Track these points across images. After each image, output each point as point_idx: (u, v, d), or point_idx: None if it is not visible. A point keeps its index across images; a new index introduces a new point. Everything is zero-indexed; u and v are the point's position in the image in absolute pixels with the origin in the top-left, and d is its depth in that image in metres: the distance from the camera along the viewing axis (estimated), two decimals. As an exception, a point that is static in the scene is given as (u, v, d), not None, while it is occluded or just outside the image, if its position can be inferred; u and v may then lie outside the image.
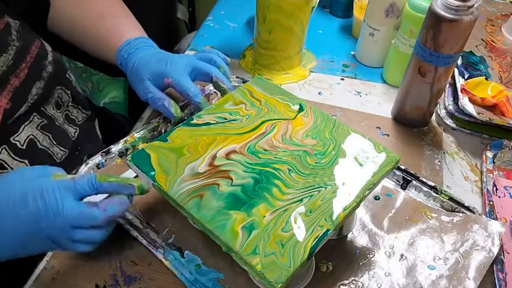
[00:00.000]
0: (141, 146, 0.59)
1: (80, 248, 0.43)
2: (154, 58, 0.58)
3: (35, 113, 0.56)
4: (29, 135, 0.55)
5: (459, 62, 0.73)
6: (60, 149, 0.59)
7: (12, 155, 0.52)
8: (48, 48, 0.59)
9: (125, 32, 0.63)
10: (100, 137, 0.70)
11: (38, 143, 0.56)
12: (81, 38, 0.66)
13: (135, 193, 0.44)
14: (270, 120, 0.51)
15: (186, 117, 0.62)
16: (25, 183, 0.41)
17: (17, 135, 0.53)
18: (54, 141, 0.58)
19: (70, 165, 0.56)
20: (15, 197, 0.40)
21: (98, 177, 0.42)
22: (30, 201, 0.40)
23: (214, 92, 0.66)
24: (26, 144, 0.54)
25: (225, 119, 0.51)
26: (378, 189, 0.56)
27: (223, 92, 0.58)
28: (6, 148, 0.52)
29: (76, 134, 0.63)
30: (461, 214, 0.53)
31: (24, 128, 0.54)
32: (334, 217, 0.41)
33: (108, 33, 0.63)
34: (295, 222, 0.41)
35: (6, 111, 0.51)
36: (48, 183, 0.41)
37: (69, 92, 0.62)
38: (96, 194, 0.43)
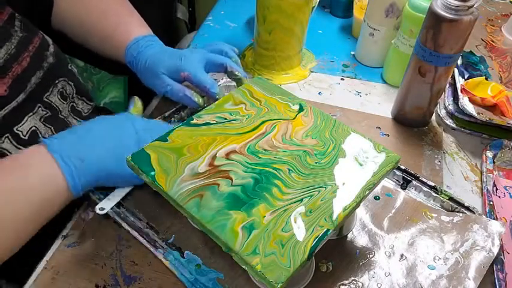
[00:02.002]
0: (141, 146, 0.59)
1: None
2: (166, 54, 0.60)
3: (39, 104, 0.56)
4: (32, 127, 0.55)
5: (459, 62, 0.73)
6: None
7: (16, 144, 0.53)
8: (50, 41, 0.59)
9: (132, 30, 0.63)
10: None
11: (40, 135, 0.56)
12: (86, 36, 0.66)
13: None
14: (270, 120, 0.51)
15: (186, 117, 0.63)
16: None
17: (20, 126, 0.54)
18: (55, 134, 0.58)
19: None
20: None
21: None
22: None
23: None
24: (28, 135, 0.54)
25: (225, 119, 0.51)
26: (378, 189, 0.56)
27: (238, 81, 0.60)
28: (9, 137, 0.53)
29: None
30: (461, 214, 0.53)
31: (27, 119, 0.55)
32: (334, 217, 0.41)
33: (114, 31, 0.63)
34: (295, 222, 0.41)
35: (2, 98, 0.51)
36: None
37: (72, 83, 0.63)
38: None
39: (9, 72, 0.52)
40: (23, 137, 0.54)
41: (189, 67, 0.58)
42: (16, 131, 0.53)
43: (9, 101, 0.52)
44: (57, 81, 0.60)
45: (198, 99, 0.58)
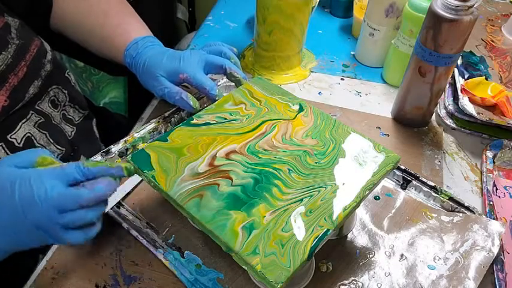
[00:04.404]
0: (141, 146, 0.59)
1: (72, 237, 0.40)
2: (165, 56, 0.59)
3: (32, 111, 0.56)
4: (26, 133, 0.55)
5: (459, 62, 0.73)
6: (57, 147, 0.59)
7: (9, 153, 0.53)
8: (48, 47, 0.59)
9: (132, 31, 0.63)
10: (98, 137, 0.70)
11: (35, 141, 0.56)
12: (85, 36, 0.66)
13: (124, 175, 0.43)
14: (270, 120, 0.51)
15: (186, 118, 0.63)
16: (12, 171, 0.40)
17: (14, 133, 0.53)
18: (50, 139, 0.58)
19: None
20: (1, 186, 0.39)
21: (86, 163, 0.41)
22: (16, 189, 0.39)
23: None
24: (22, 142, 0.54)
25: (225, 119, 0.51)
26: (378, 189, 0.56)
27: (237, 83, 0.59)
28: (3, 146, 0.52)
29: (73, 133, 0.63)
30: (461, 214, 0.53)
31: (21, 126, 0.54)
32: (334, 217, 0.41)
33: (114, 32, 0.63)
34: (295, 222, 0.41)
35: (4, 108, 0.51)
36: (35, 171, 0.40)
37: (66, 91, 0.62)
38: (85, 180, 0.41)
39: (5, 83, 0.52)
40: (18, 145, 0.54)
41: (187, 69, 0.58)
42: (10, 139, 0.53)
43: (10, 110, 0.52)
44: (49, 88, 0.60)
45: (194, 102, 0.58)
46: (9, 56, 0.52)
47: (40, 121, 0.57)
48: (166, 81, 0.59)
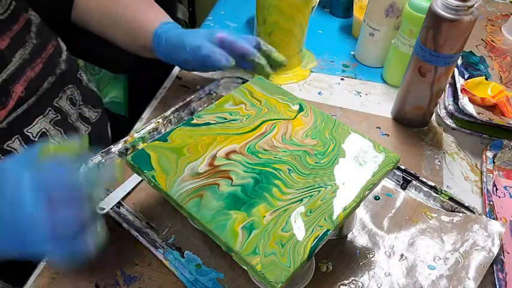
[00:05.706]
0: (141, 146, 0.59)
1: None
2: (195, 31, 0.61)
3: (49, 108, 0.57)
4: (42, 129, 0.56)
5: (459, 62, 0.73)
6: None
7: (24, 145, 0.54)
8: (64, 47, 0.61)
9: (160, 17, 0.65)
10: (110, 140, 0.71)
11: (50, 137, 0.57)
12: (109, 25, 0.66)
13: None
14: (270, 120, 0.51)
15: (185, 117, 0.63)
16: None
17: (30, 128, 0.55)
18: (65, 137, 0.59)
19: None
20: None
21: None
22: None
23: (214, 91, 0.66)
24: (38, 136, 0.56)
25: (225, 119, 0.51)
26: (378, 189, 0.56)
27: (261, 69, 0.60)
28: (19, 138, 0.54)
29: (87, 132, 0.64)
30: (461, 214, 0.53)
31: (38, 121, 0.56)
32: (334, 217, 0.41)
33: (144, 14, 0.64)
34: (295, 222, 0.41)
35: (19, 100, 0.53)
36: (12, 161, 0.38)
37: (79, 91, 0.64)
38: None
39: (23, 75, 0.53)
40: (33, 139, 0.55)
41: (224, 32, 0.59)
42: (26, 133, 0.55)
43: (23, 102, 0.54)
44: (66, 87, 0.61)
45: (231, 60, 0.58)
46: (27, 53, 0.54)
47: (56, 118, 0.58)
48: (209, 43, 0.59)
